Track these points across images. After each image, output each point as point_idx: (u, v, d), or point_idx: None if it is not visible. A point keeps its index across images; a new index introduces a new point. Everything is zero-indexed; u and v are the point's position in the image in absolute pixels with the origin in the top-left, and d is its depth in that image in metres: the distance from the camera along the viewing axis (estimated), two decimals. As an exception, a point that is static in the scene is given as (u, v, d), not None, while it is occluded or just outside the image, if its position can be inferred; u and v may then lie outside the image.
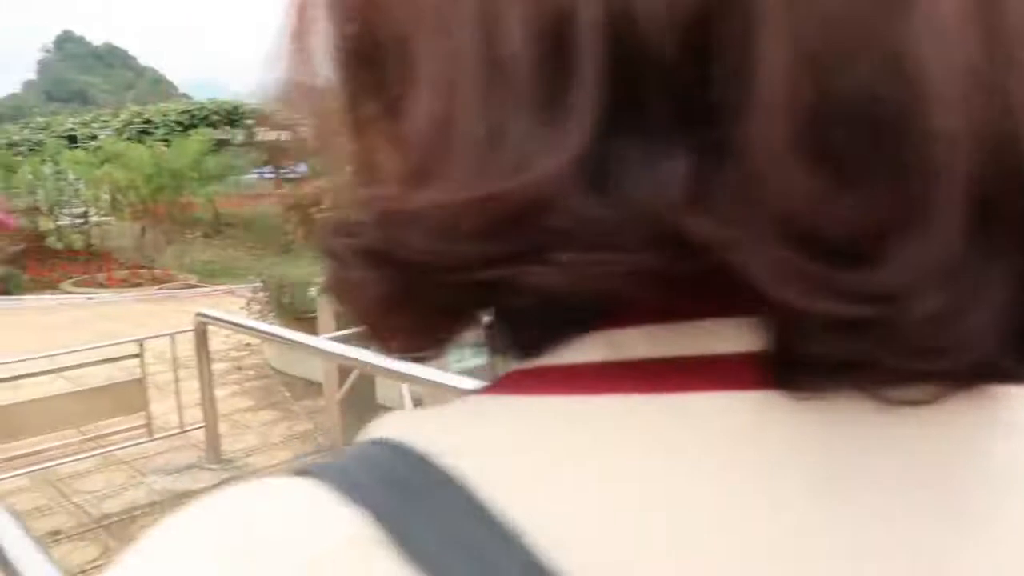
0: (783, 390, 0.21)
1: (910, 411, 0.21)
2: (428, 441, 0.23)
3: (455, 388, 3.16)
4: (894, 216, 0.19)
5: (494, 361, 0.29)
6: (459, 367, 4.08)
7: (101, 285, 12.65)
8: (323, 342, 3.87)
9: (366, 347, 4.38)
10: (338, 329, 4.70)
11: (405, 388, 4.61)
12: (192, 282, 13.01)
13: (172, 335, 4.80)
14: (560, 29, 0.20)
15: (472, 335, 0.28)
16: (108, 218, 17.77)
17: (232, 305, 7.30)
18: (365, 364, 3.68)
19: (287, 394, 6.19)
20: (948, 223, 0.19)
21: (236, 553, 0.21)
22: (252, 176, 24.33)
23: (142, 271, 13.31)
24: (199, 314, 4.49)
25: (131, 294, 12.05)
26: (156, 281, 12.92)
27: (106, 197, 15.26)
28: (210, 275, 13.66)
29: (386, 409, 5.42)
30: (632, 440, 0.22)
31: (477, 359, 4.23)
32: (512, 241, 0.21)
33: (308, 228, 6.01)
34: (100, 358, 4.77)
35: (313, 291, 6.62)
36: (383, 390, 5.30)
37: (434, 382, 3.31)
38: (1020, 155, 0.19)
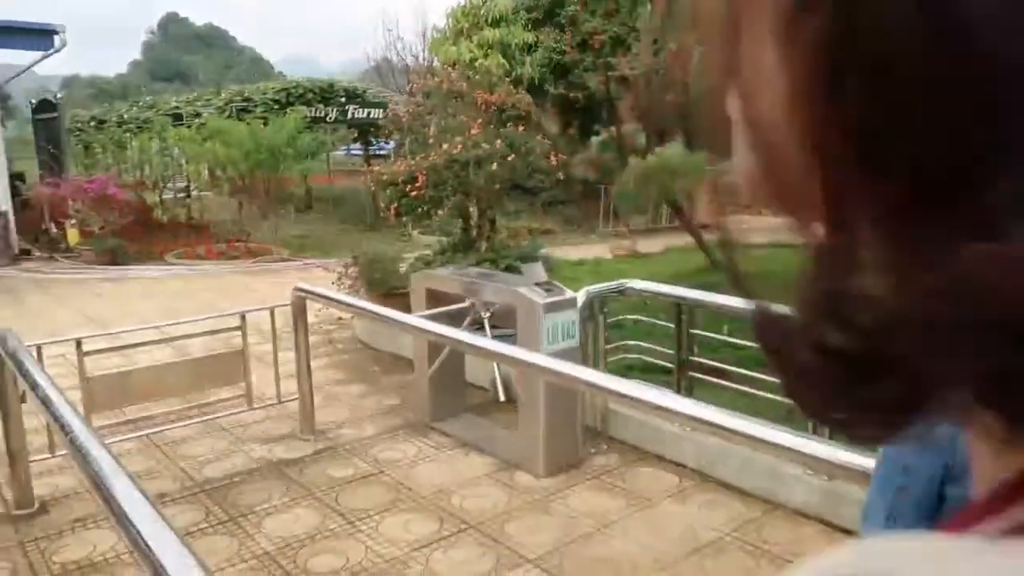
0: None
1: None
2: None
3: (546, 368, 3.13)
4: None
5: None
6: (551, 349, 4.05)
7: (201, 257, 13.20)
8: (417, 319, 3.88)
9: (457, 326, 4.38)
10: (429, 307, 4.73)
11: (495, 367, 4.61)
12: (285, 255, 13.43)
13: (271, 309, 4.93)
14: None
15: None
16: (208, 193, 18.48)
17: (322, 279, 7.46)
18: (457, 342, 3.67)
19: (376, 368, 6.30)
20: None
21: None
22: (341, 153, 24.89)
23: (239, 244, 13.81)
24: (297, 289, 4.59)
25: (228, 266, 12.53)
26: (251, 254, 13.39)
27: (207, 173, 15.86)
28: (301, 249, 14.06)
29: (474, 388, 5.46)
30: None
31: (568, 341, 4.17)
32: None
33: (401, 206, 6.06)
34: (204, 330, 4.95)
35: (404, 267, 6.69)
36: (471, 369, 5.32)
37: (526, 362, 3.28)
38: None
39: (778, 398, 4.33)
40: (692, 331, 4.54)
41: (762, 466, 3.81)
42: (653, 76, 16.90)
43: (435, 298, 4.77)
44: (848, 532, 3.48)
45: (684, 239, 14.52)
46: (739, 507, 3.78)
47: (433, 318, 4.29)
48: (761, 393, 4.44)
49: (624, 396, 2.81)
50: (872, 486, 1.14)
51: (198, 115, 18.73)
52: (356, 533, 3.57)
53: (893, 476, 1.07)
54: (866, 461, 2.08)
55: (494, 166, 5.75)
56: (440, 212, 6.35)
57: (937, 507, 1.06)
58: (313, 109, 18.43)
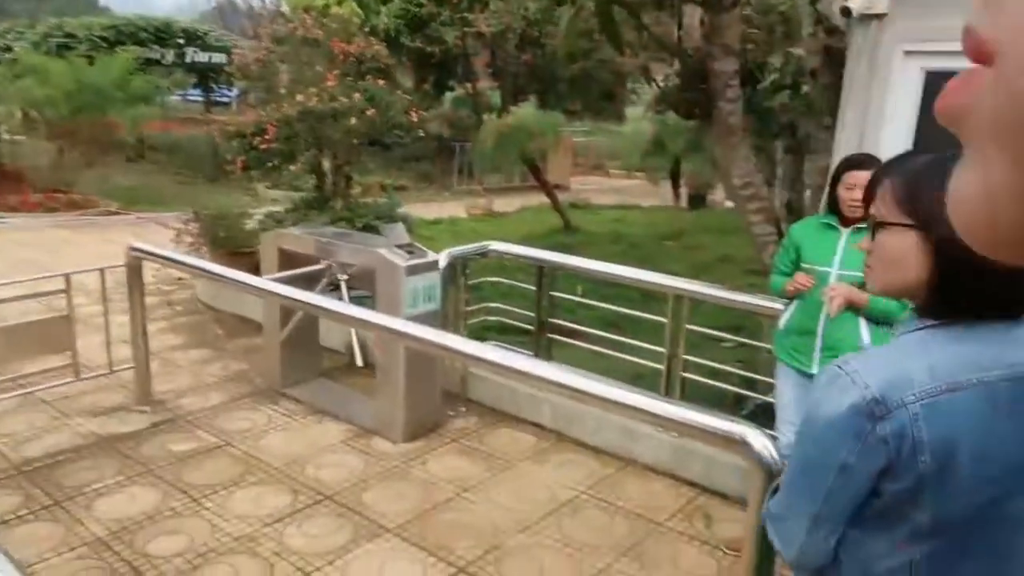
0: None
1: None
2: None
3: (408, 334, 3.03)
4: None
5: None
6: (412, 313, 3.94)
7: (13, 209, 11.84)
8: (272, 283, 3.65)
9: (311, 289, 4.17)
10: (282, 268, 4.47)
11: (353, 331, 4.45)
12: (113, 209, 12.30)
13: (102, 270, 4.47)
14: None
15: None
16: (21, 137, 16.56)
17: (159, 236, 6.90)
18: (314, 307, 3.48)
19: (220, 332, 5.93)
20: None
21: None
22: (178, 98, 23.08)
23: (59, 195, 12.49)
24: (133, 248, 4.19)
25: (47, 219, 11.33)
26: (74, 206, 12.16)
27: (19, 114, 14.19)
28: (132, 201, 12.93)
29: (329, 351, 5.26)
30: None
31: (429, 304, 4.09)
32: None
33: (249, 159, 5.67)
34: (23, 293, 4.41)
35: (251, 224, 6.30)
36: (326, 332, 5.11)
37: (388, 328, 3.17)
38: None
39: (629, 357, 4.48)
40: (552, 293, 4.57)
41: (616, 425, 3.94)
42: (510, 34, 16.82)
43: (288, 259, 4.52)
44: (694, 485, 3.68)
45: (538, 199, 14.71)
46: (595, 465, 3.89)
47: (287, 280, 4.05)
48: (613, 353, 4.58)
49: (487, 362, 2.77)
50: (795, 487, 1.15)
51: (9, 49, 16.67)
52: (201, 511, 3.35)
53: (824, 476, 1.10)
54: (709, 419, 2.18)
55: (353, 120, 5.49)
56: (292, 167, 6.00)
57: (868, 501, 1.10)
58: (147, 50, 16.89)
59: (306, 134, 5.60)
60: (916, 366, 1.06)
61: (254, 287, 3.57)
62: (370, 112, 5.69)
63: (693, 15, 4.65)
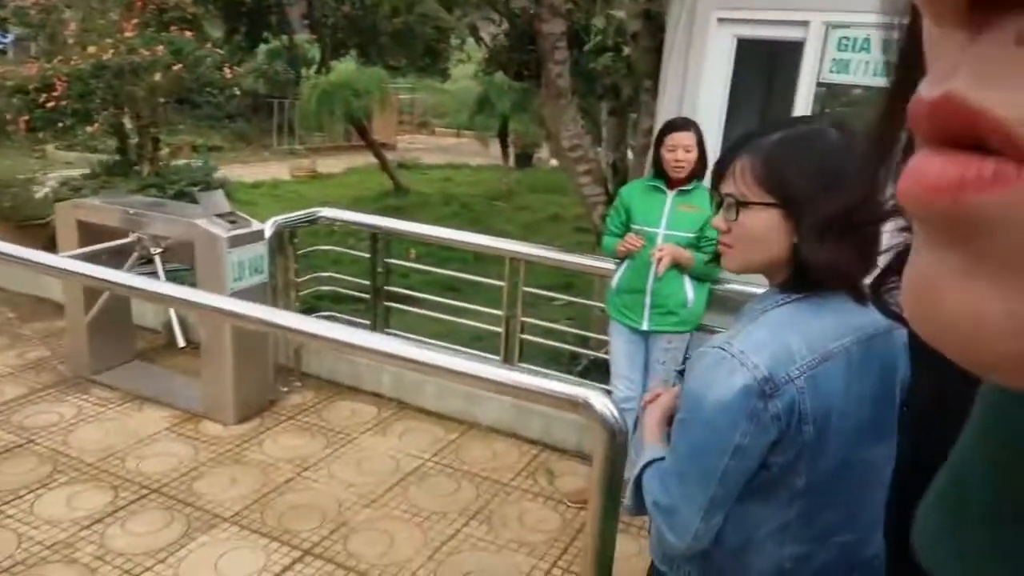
0: None
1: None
2: None
3: (233, 312, 2.84)
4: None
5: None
6: (238, 287, 3.70)
7: None
8: (69, 261, 3.26)
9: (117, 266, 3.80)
10: (83, 243, 4.03)
11: (173, 312, 4.11)
12: None
13: None
14: None
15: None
16: None
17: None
18: (123, 286, 3.16)
19: (11, 315, 5.29)
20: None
21: None
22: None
23: None
24: None
25: None
26: None
27: None
28: None
29: (145, 331, 4.84)
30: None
31: (256, 277, 3.85)
32: None
33: (34, 118, 5.01)
34: None
35: (42, 192, 5.62)
36: (140, 310, 4.70)
37: (210, 306, 2.94)
38: None
39: (466, 321, 4.49)
40: (387, 260, 4.46)
41: (458, 391, 3.94)
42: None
43: (89, 232, 4.07)
44: (535, 443, 3.78)
45: (364, 159, 14.30)
46: (438, 432, 3.88)
47: (89, 257, 3.65)
48: (451, 318, 4.57)
49: (322, 338, 2.66)
50: (687, 476, 1.15)
51: None
52: (3, 520, 2.99)
53: (717, 459, 1.11)
54: (551, 384, 2.23)
55: (157, 76, 4.99)
56: (89, 128, 5.39)
57: (756, 475, 1.14)
58: None
59: (104, 92, 5.04)
60: (794, 341, 1.09)
61: (50, 267, 3.18)
62: (177, 67, 5.21)
63: (519, -26, 4.63)
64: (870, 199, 0.31)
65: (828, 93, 3.51)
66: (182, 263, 4.47)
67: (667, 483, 1.16)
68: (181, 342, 4.03)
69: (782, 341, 1.09)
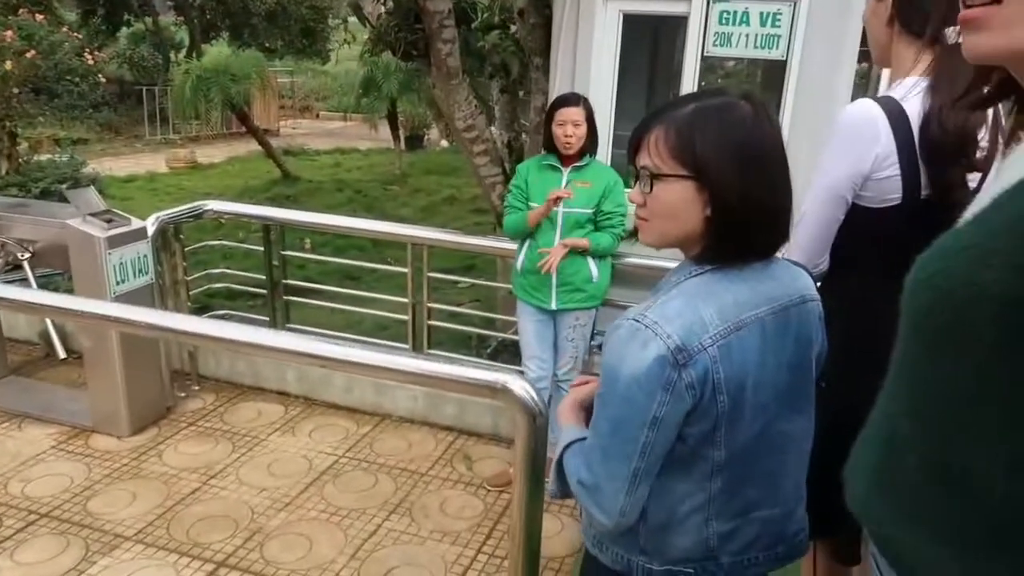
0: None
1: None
2: None
3: (117, 318, 2.65)
4: None
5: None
6: (121, 290, 3.48)
7: None
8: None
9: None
10: (-63, 253, 3.67)
11: (49, 321, 3.81)
12: None
13: None
14: None
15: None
16: None
17: None
18: (-10, 299, 2.89)
19: None
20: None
21: None
22: None
23: None
24: None
25: None
26: None
27: None
28: None
29: (15, 343, 4.48)
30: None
31: (141, 278, 3.62)
32: None
33: None
34: None
35: None
36: (10, 321, 4.35)
37: (90, 313, 2.74)
38: None
39: (370, 311, 4.40)
40: (283, 252, 4.29)
41: (367, 382, 3.86)
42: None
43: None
44: (450, 429, 3.76)
45: (246, 146, 13.73)
46: (350, 426, 3.79)
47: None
48: (354, 309, 4.46)
49: (218, 339, 2.53)
50: (607, 452, 1.14)
51: None
52: None
53: (637, 432, 1.10)
54: (468, 371, 2.20)
55: (8, 64, 4.57)
56: (-69, 125, 4.91)
57: (674, 448, 1.14)
58: None
59: (-53, 84, 4.58)
60: (707, 310, 1.10)
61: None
62: (30, 54, 4.79)
63: (400, -49, 4.51)
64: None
65: (706, 66, 3.62)
66: (54, 268, 4.16)
67: (590, 460, 1.16)
68: (61, 353, 3.75)
69: (695, 311, 1.09)
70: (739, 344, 1.11)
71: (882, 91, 3.85)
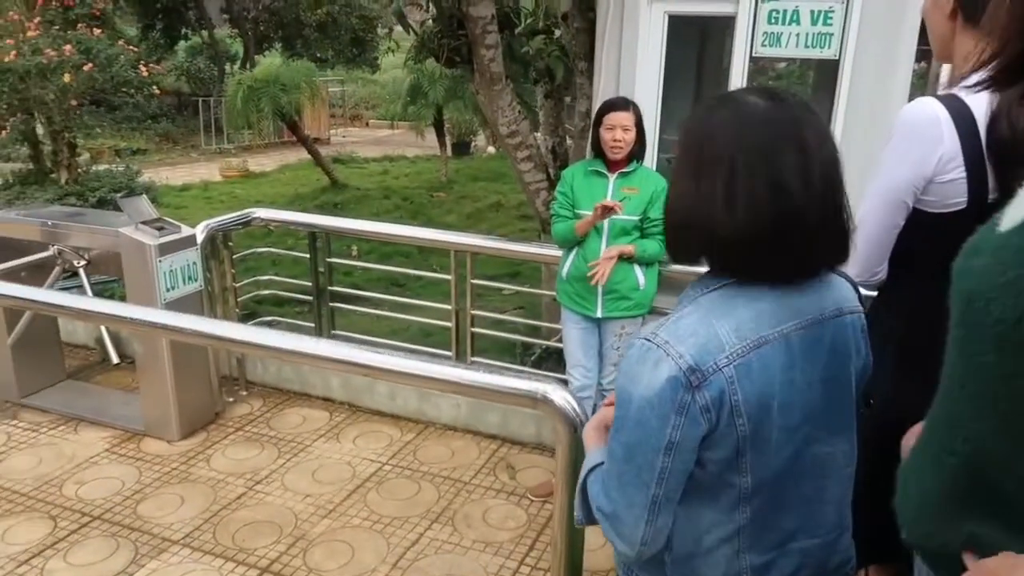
0: None
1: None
2: None
3: (167, 326, 2.70)
4: None
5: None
6: (171, 297, 3.54)
7: None
8: (-17, 284, 3.05)
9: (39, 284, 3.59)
10: (-1, 261, 3.79)
11: (103, 327, 3.90)
12: None
13: None
14: None
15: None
16: None
17: None
18: (45, 304, 2.98)
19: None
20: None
21: None
22: None
23: None
24: None
25: None
26: None
27: None
28: None
29: (73, 347, 4.60)
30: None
31: (191, 285, 3.68)
32: None
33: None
34: None
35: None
36: (68, 326, 4.47)
37: (141, 320, 2.78)
38: None
39: (415, 318, 4.40)
40: (328, 260, 4.32)
41: (410, 390, 3.85)
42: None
43: (5, 247, 3.83)
44: (494, 438, 3.73)
45: (297, 155, 13.97)
46: (394, 433, 3.79)
47: (7, 274, 3.44)
48: (399, 315, 4.47)
49: (264, 347, 2.54)
50: (624, 478, 1.08)
51: None
52: (-69, 563, 2.79)
53: (653, 458, 1.04)
54: (509, 381, 2.16)
55: (67, 77, 4.72)
56: (-3, 136, 5.09)
57: (695, 474, 1.08)
58: None
59: (9, 96, 4.74)
60: (723, 328, 1.02)
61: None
62: (88, 67, 4.93)
63: (444, -42, 4.51)
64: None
65: (755, 67, 3.52)
66: (109, 275, 4.26)
67: (608, 487, 1.09)
68: (115, 358, 3.83)
69: (710, 328, 1.01)
70: (760, 363, 1.02)
71: (942, 90, 3.70)
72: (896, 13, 2.95)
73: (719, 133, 1.03)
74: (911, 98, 3.31)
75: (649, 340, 1.02)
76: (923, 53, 3.28)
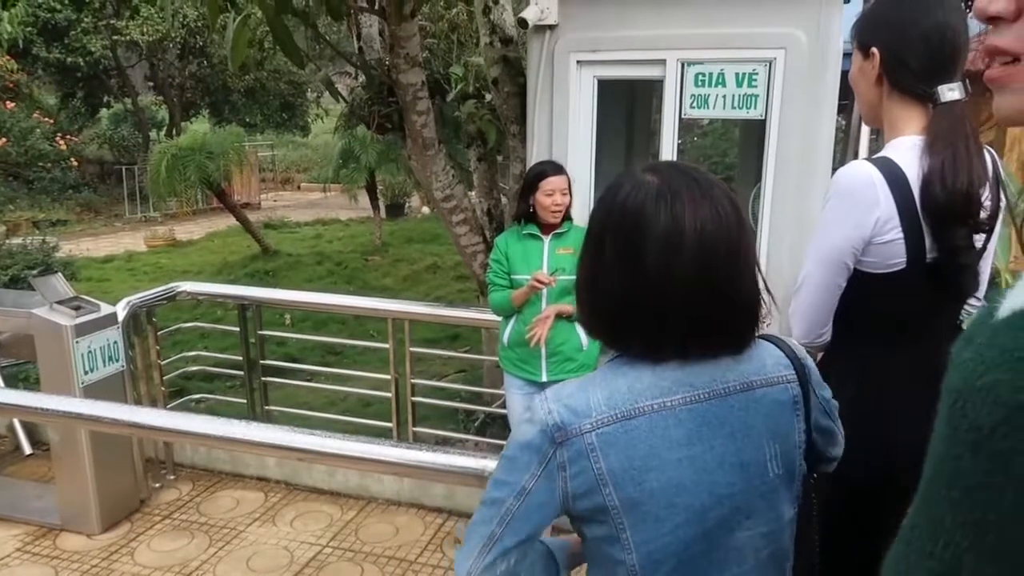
0: None
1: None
2: None
3: (84, 415, 2.51)
4: None
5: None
6: (91, 380, 3.33)
7: None
8: None
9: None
10: None
11: (17, 421, 3.64)
12: None
13: None
14: None
15: None
16: None
17: None
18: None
19: None
20: None
21: None
22: None
23: None
24: None
25: None
26: None
27: None
28: None
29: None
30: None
31: (112, 366, 3.48)
32: None
33: None
34: None
35: None
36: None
37: (54, 411, 2.59)
38: None
39: (347, 388, 4.26)
40: (260, 332, 4.16)
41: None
42: (169, 43, 15.38)
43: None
44: (439, 511, 3.58)
45: (226, 221, 13.68)
46: (334, 512, 3.60)
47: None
48: (336, 388, 4.33)
49: (187, 433, 2.39)
50: (483, 505, 1.06)
51: None
52: None
53: (505, 495, 1.03)
54: (455, 459, 2.07)
55: (-25, 154, 4.50)
56: None
57: (584, 544, 1.08)
58: None
59: (-87, 174, 4.49)
60: (596, 395, 1.02)
61: None
62: (1, 142, 4.72)
63: (372, 26, 4.52)
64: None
65: (682, 125, 3.60)
66: (21, 358, 4.00)
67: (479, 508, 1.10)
68: (27, 449, 3.58)
69: (584, 393, 1.03)
70: (628, 436, 1.00)
71: (863, 144, 3.83)
72: (817, 72, 3.06)
73: (599, 211, 1.08)
74: (835, 154, 3.42)
75: (538, 397, 1.06)
76: (841, 107, 3.41)
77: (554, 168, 2.98)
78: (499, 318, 3.11)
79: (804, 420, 1.11)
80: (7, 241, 6.22)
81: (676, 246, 1.00)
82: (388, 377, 3.85)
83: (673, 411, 1.01)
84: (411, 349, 3.77)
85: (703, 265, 1.00)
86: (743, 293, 1.03)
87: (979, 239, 1.38)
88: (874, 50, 1.44)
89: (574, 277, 2.94)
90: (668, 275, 1.00)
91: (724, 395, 1.04)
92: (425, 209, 14.75)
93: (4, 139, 4.60)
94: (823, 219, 1.45)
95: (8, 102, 5.06)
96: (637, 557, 1.01)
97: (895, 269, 1.41)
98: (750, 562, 1.08)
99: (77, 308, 3.40)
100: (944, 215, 1.34)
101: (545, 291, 2.90)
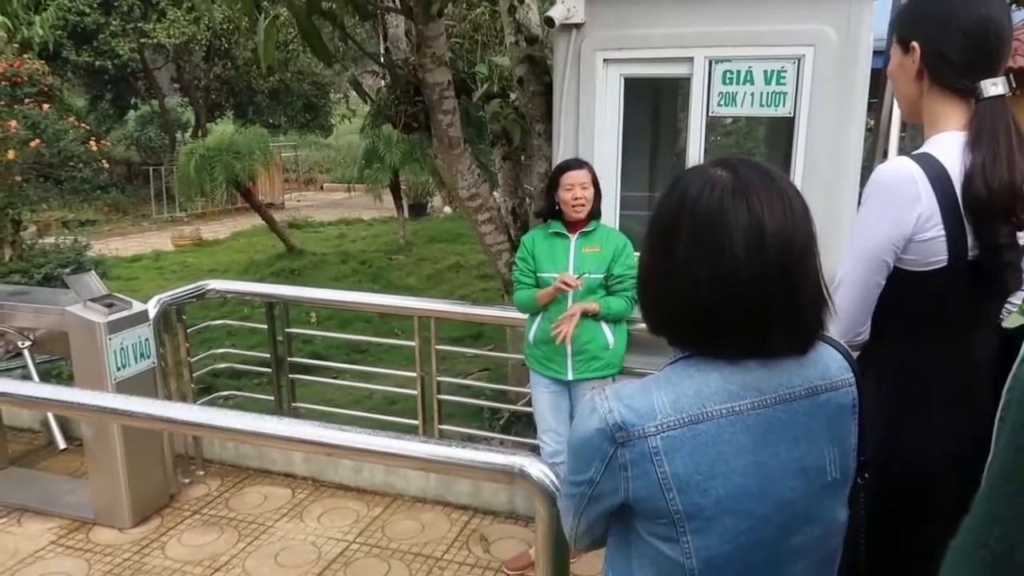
0: None
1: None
2: None
3: (116, 410, 2.55)
4: None
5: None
6: (122, 376, 3.38)
7: None
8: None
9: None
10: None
11: (51, 416, 3.70)
12: None
13: None
14: None
15: None
16: None
17: None
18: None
19: None
20: None
21: None
22: None
23: None
24: None
25: None
26: None
27: None
28: None
29: (16, 431, 4.36)
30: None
31: (143, 363, 3.53)
32: None
33: None
34: None
35: None
36: (10, 410, 4.24)
37: (88, 405, 2.63)
38: None
39: (372, 386, 4.28)
40: (287, 329, 4.20)
41: (377, 461, 3.71)
42: (195, 46, 15.55)
43: (-57, 332, 3.64)
44: (465, 508, 3.60)
45: (251, 221, 13.82)
46: (360, 508, 3.63)
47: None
48: (362, 385, 4.35)
49: (221, 428, 2.41)
50: (564, 484, 1.13)
51: None
52: None
53: (576, 488, 1.08)
54: (484, 455, 2.07)
55: (11, 154, 4.59)
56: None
57: (638, 545, 1.08)
58: None
59: (-50, 174, 4.59)
60: (661, 398, 0.99)
61: None
62: (35, 143, 4.81)
63: (399, 26, 4.55)
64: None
65: (707, 123, 3.58)
66: (56, 354, 4.08)
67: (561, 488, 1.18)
68: (62, 443, 3.63)
69: (648, 396, 1.00)
70: (695, 440, 0.98)
71: (892, 143, 3.78)
72: (847, 69, 3.03)
73: (666, 207, 1.03)
74: (865, 151, 3.38)
75: (595, 396, 1.04)
76: (870, 105, 3.38)
77: (577, 163, 2.98)
78: (524, 316, 3.11)
79: (855, 424, 1.10)
80: (40, 240, 6.33)
81: (756, 244, 0.96)
82: (413, 375, 3.87)
83: (741, 416, 1.00)
84: (437, 347, 3.78)
85: (779, 262, 0.97)
86: (811, 292, 1.01)
87: (1022, 236, 1.36)
88: (914, 44, 1.42)
89: (601, 276, 2.95)
90: (746, 273, 0.96)
91: (790, 400, 1.03)
92: (447, 209, 14.79)
93: (38, 140, 4.69)
94: (862, 216, 1.44)
95: (43, 104, 5.16)
96: (696, 562, 1.00)
97: (936, 267, 1.39)
98: (803, 563, 1.07)
99: (110, 306, 3.46)
100: (987, 212, 1.32)
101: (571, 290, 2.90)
